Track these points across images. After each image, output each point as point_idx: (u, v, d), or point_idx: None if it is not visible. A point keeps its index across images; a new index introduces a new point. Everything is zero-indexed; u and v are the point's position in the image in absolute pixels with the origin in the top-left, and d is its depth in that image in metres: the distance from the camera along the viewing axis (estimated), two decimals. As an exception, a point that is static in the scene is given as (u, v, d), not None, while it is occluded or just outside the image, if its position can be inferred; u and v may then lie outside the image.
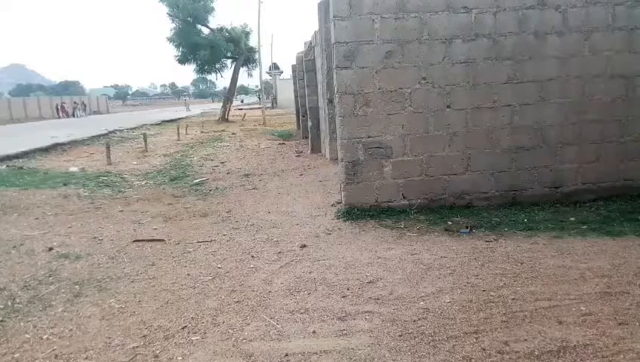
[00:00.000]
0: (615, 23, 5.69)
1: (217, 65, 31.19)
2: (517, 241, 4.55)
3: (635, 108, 5.81)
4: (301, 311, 3.30)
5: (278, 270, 4.10)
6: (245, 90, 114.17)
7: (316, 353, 2.77)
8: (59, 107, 44.89)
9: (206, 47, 28.34)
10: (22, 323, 3.27)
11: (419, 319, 3.09)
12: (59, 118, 41.51)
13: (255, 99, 77.97)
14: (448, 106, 5.66)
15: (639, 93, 5.81)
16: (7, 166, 10.56)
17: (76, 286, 3.87)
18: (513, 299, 3.31)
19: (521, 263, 3.96)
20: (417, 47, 5.55)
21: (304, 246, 4.71)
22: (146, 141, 14.47)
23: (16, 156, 12.09)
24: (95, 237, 5.25)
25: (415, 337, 2.88)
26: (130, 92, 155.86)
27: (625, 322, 2.91)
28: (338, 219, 5.59)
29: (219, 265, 4.28)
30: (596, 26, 5.68)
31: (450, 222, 5.21)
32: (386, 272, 3.90)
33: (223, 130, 21.00)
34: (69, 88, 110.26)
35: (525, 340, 2.76)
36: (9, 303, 3.58)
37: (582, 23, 5.67)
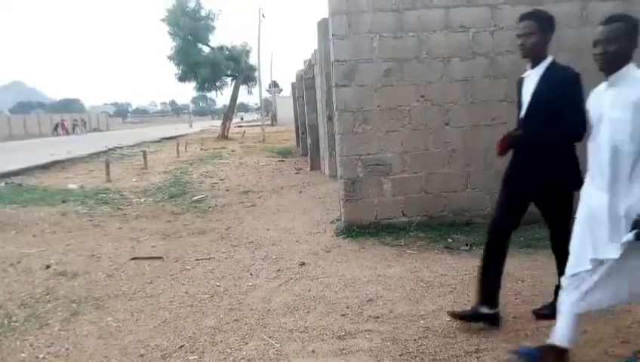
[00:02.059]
0: (611, 42, 5.74)
1: (217, 83, 31.36)
2: (517, 259, 4.52)
3: (632, 125, 5.84)
4: (300, 329, 3.27)
5: (277, 288, 4.07)
6: (245, 108, 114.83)
7: (315, 373, 2.73)
8: (59, 124, 45.04)
9: (206, 65, 28.54)
10: (18, 342, 3.24)
11: (419, 338, 3.06)
12: (58, 135, 41.61)
13: (255, 116, 78.32)
14: (447, 124, 5.69)
15: (636, 111, 5.84)
16: (6, 183, 10.56)
17: (73, 305, 3.84)
18: (514, 317, 3.28)
19: (522, 281, 3.94)
20: (416, 66, 5.60)
21: (303, 263, 4.68)
22: (145, 158, 14.50)
23: (15, 173, 12.09)
24: (93, 255, 5.22)
25: (416, 357, 2.84)
26: (131, 109, 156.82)
27: (626, 340, 2.88)
28: (337, 236, 5.57)
29: (217, 283, 4.26)
30: (590, 45, 5.72)
31: (450, 240, 5.19)
32: (386, 290, 3.87)
33: (223, 148, 21.05)
34: (69, 106, 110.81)
35: (527, 359, 2.73)
36: (5, 321, 3.55)
37: (579, 42, 5.72)
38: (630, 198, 2.27)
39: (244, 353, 2.99)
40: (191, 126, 53.22)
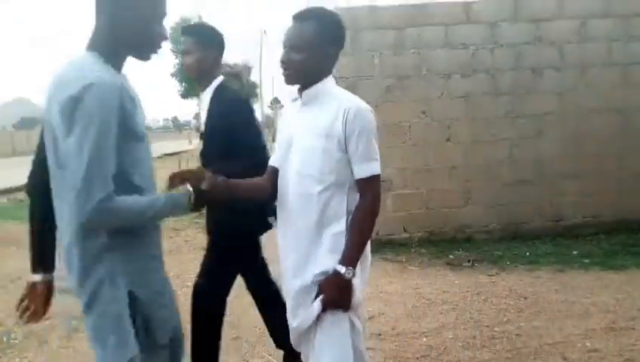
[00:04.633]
0: (610, 59, 5.80)
1: (219, 100, 31.60)
2: (519, 275, 4.50)
3: (632, 141, 5.85)
4: (301, 347, 3.23)
5: (278, 304, 4.04)
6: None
7: (316, 391, 2.70)
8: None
9: (208, 81, 28.80)
10: (17, 360, 3.21)
11: (422, 356, 3.03)
12: None
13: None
14: (448, 140, 5.71)
15: (636, 127, 5.86)
16: (8, 199, 10.57)
17: (73, 321, 3.80)
18: (517, 334, 3.25)
19: (525, 298, 3.91)
20: (416, 82, 5.64)
21: (304, 280, 4.65)
22: (147, 174, 14.49)
23: (18, 188, 12.11)
24: (94, 271, 5.20)
25: (418, 374, 2.81)
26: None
27: (631, 358, 2.85)
28: (339, 252, 5.53)
29: (218, 300, 4.22)
30: (592, 61, 5.78)
31: (451, 256, 5.17)
32: (388, 307, 3.84)
33: (224, 163, 21.07)
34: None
35: (530, 378, 2.70)
36: (4, 339, 3.52)
37: (578, 59, 5.77)
38: (318, 252, 1.71)
39: (245, 371, 2.96)
40: (190, 142, 53.40)
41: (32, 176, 1.67)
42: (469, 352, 3.03)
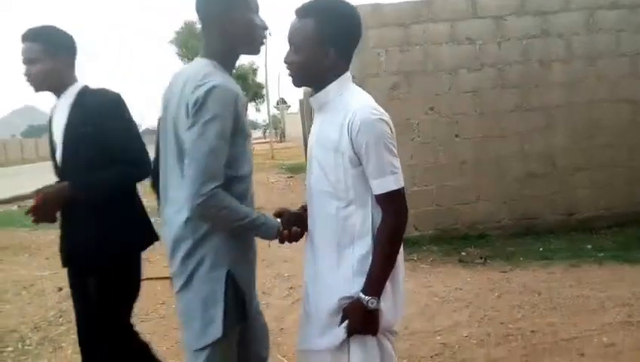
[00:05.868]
0: (619, 49, 5.73)
1: (225, 102, 31.76)
2: (533, 271, 4.45)
3: (644, 132, 5.78)
4: (314, 348, 3.22)
5: (289, 306, 4.03)
6: (253, 125, 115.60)
7: (331, 392, 2.68)
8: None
9: (214, 84, 28.97)
10: (31, 367, 3.23)
11: (436, 354, 3.00)
12: None
13: (259, 133, 78.29)
14: (457, 135, 5.66)
15: (648, 118, 5.79)
16: (19, 206, 10.66)
17: (86, 327, 3.83)
18: (532, 331, 3.21)
19: (539, 294, 3.86)
20: (423, 78, 5.60)
21: (316, 280, 4.63)
22: (155, 178, 14.54)
23: (28, 196, 12.20)
24: (105, 276, 5.22)
25: (433, 374, 2.79)
26: (141, 130, 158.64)
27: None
28: (349, 251, 5.51)
29: (230, 302, 4.22)
30: (600, 52, 5.71)
31: (463, 253, 5.13)
32: (400, 306, 3.81)
33: (232, 165, 21.13)
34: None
35: (548, 375, 2.67)
36: (19, 345, 3.54)
37: (586, 50, 5.70)
38: (342, 274, 1.59)
39: (258, 373, 2.94)
40: None
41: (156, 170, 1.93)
42: (483, 350, 3.00)
